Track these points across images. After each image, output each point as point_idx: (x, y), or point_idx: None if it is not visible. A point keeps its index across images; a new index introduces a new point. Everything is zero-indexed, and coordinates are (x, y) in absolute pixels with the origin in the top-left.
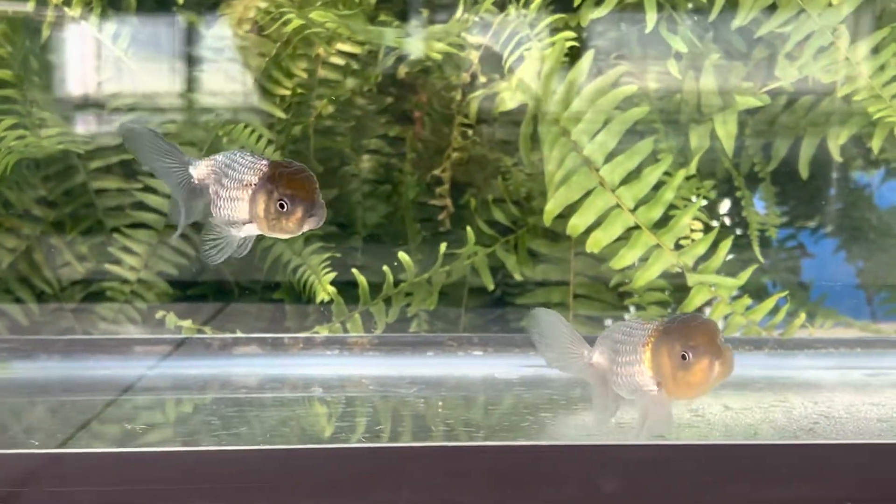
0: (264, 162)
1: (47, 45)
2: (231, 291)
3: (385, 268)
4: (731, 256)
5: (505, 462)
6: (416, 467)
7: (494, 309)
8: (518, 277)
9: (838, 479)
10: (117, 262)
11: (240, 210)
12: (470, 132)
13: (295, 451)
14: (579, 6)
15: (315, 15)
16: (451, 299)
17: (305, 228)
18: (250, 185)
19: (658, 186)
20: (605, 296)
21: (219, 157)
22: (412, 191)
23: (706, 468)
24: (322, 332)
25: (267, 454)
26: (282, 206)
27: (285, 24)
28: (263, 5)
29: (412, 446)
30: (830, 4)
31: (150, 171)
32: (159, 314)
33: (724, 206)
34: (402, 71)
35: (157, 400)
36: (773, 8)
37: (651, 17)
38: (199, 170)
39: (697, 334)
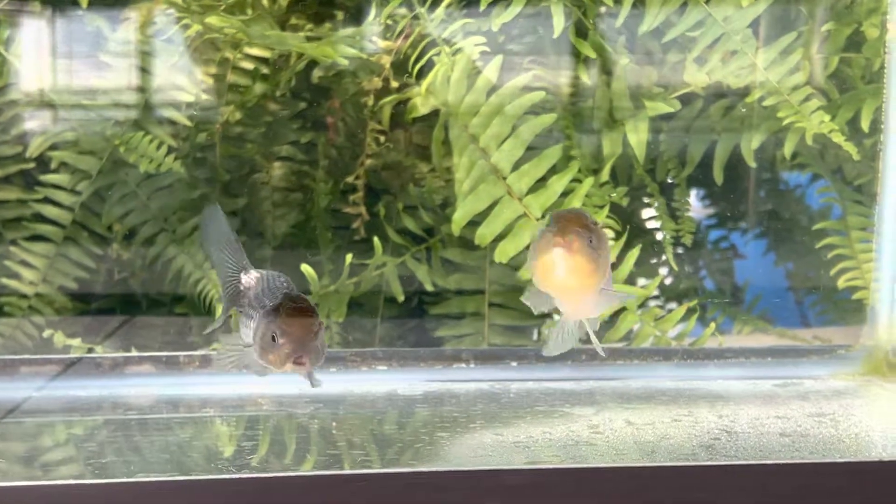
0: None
1: None
2: (138, 304)
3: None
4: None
5: (384, 491)
6: (283, 499)
7: (411, 319)
8: (429, 288)
9: (731, 500)
10: (15, 275)
11: (251, 330)
12: (383, 138)
13: (162, 483)
14: (488, 7)
15: (214, 20)
16: (366, 309)
17: (290, 369)
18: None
19: (566, 194)
20: (521, 305)
21: (265, 273)
22: (325, 199)
23: (591, 493)
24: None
25: (126, 488)
26: (273, 339)
27: (186, 28)
28: (164, 8)
29: (281, 476)
30: (740, 7)
31: (207, 255)
32: (47, 332)
33: (645, 211)
34: (316, 76)
35: (43, 423)
36: (682, 11)
37: (558, 21)
38: (247, 278)
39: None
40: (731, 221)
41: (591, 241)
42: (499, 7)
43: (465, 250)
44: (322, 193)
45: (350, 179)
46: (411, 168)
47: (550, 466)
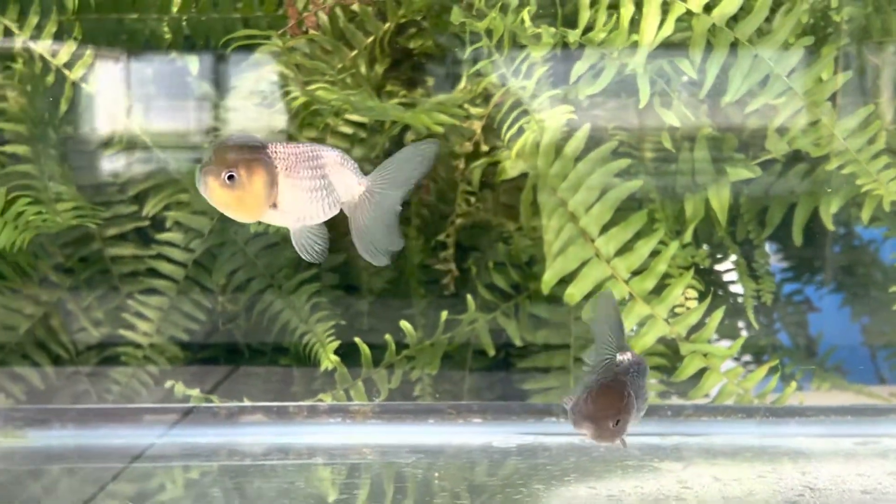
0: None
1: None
2: (241, 354)
3: (387, 337)
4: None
5: None
6: None
7: (498, 371)
8: (518, 343)
9: None
10: (131, 327)
11: None
12: (473, 199)
13: None
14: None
15: (321, 93)
16: (454, 362)
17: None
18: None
19: (652, 256)
20: None
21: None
22: (417, 255)
23: None
24: (326, 400)
25: None
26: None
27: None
28: (274, 79)
29: None
30: (820, 81)
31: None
32: (168, 383)
33: (726, 271)
34: (409, 139)
35: (165, 468)
36: (764, 82)
37: (644, 92)
38: (621, 357)
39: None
40: (807, 275)
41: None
42: (587, 77)
43: (552, 306)
44: (415, 251)
45: (441, 237)
46: (498, 227)
47: None
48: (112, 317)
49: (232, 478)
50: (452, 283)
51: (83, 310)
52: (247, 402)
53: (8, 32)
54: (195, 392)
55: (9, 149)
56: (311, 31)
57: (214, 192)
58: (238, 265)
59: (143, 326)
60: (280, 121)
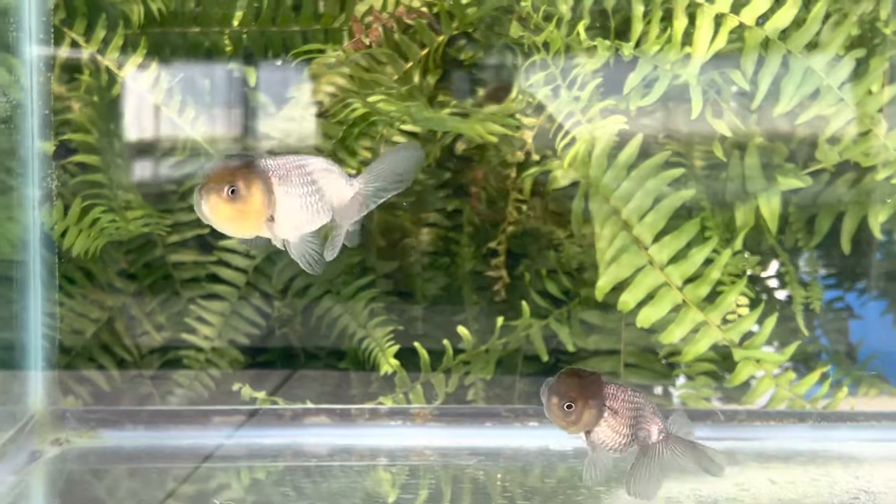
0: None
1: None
2: (297, 357)
3: (445, 342)
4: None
5: None
6: None
7: (547, 376)
8: (571, 349)
9: None
10: (193, 331)
11: None
12: (524, 207)
13: None
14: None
15: (382, 105)
16: (505, 366)
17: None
18: None
19: (705, 264)
20: (655, 365)
21: None
22: (469, 262)
23: None
24: (387, 403)
25: None
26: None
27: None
28: (330, 90)
29: None
30: (870, 92)
31: None
32: (235, 386)
33: (771, 278)
34: (460, 148)
35: (234, 468)
36: (815, 95)
37: (697, 103)
38: None
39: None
40: (849, 282)
41: None
42: (640, 88)
43: (602, 313)
44: (467, 258)
45: (492, 245)
46: (548, 234)
47: None
48: (174, 321)
49: (299, 478)
50: (503, 290)
51: (146, 314)
52: (310, 405)
53: (75, 45)
54: (261, 395)
55: (78, 158)
56: (374, 46)
57: (217, 207)
58: (297, 271)
59: (204, 331)
60: (336, 131)
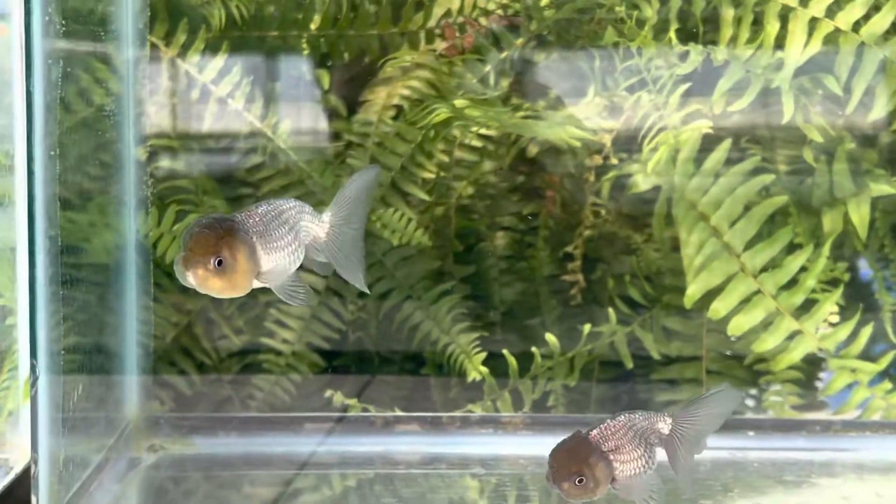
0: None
1: None
2: (372, 362)
3: (534, 349)
4: None
5: None
6: None
7: (624, 383)
8: (656, 356)
9: None
10: (271, 335)
11: None
12: (603, 211)
13: None
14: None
15: (469, 110)
16: (582, 373)
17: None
18: None
19: (799, 272)
20: (738, 372)
21: None
22: (546, 267)
23: None
24: (476, 411)
25: None
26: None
27: (431, 113)
28: (407, 93)
29: None
30: None
31: None
32: (328, 392)
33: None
34: (533, 150)
35: (328, 475)
36: None
37: (788, 107)
38: None
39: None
40: None
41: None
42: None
43: (685, 319)
44: (543, 262)
45: (569, 249)
46: (625, 239)
47: None
48: (253, 325)
49: (391, 485)
50: (580, 294)
51: (225, 318)
52: (399, 413)
53: (155, 48)
54: (353, 401)
55: (163, 163)
56: (468, 52)
57: (206, 281)
58: (376, 276)
59: (284, 334)
60: (415, 135)
